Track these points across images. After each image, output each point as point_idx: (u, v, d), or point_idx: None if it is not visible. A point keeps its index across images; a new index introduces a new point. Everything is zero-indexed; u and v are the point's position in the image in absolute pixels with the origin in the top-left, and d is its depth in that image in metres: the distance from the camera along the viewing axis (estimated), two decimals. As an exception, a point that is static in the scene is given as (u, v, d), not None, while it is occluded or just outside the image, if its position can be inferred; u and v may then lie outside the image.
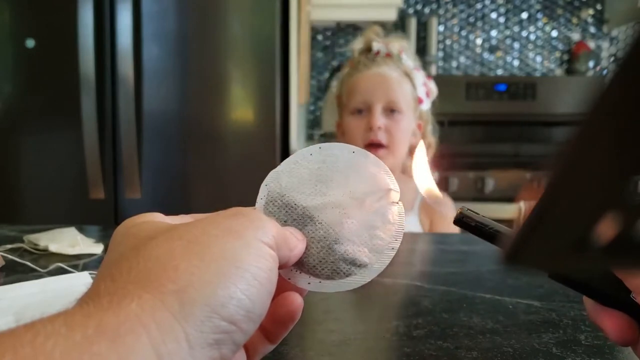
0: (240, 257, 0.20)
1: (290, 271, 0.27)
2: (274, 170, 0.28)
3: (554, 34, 2.23)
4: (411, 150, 1.11)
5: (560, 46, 2.23)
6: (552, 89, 2.10)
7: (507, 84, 2.11)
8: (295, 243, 0.25)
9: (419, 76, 1.09)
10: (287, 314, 0.26)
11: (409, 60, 1.10)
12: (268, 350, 0.27)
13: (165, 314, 0.18)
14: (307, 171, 0.28)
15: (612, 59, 2.18)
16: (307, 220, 0.27)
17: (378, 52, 1.09)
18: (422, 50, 2.24)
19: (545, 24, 2.23)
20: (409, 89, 1.06)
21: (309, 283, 0.27)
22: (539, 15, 2.23)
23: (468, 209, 0.30)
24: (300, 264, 0.27)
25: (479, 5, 2.24)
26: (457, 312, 0.43)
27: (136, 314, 0.18)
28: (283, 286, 0.27)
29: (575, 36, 2.22)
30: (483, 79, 2.15)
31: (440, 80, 1.92)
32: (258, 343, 0.27)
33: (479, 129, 2.18)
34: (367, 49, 1.11)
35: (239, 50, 1.42)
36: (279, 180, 0.28)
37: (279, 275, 0.26)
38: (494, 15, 2.24)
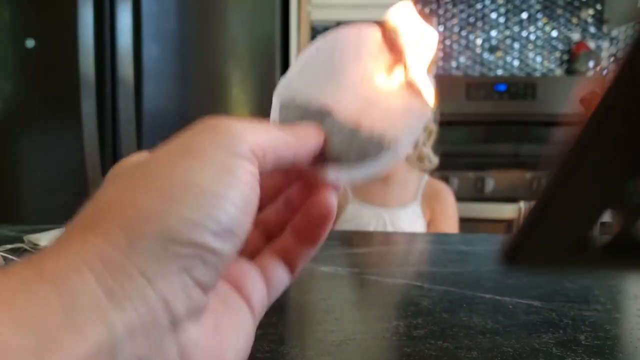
0: (196, 177, 0.18)
1: (315, 167, 0.25)
2: (283, 77, 0.27)
3: (554, 34, 2.23)
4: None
5: (560, 46, 2.23)
6: (552, 89, 2.10)
7: (507, 84, 2.11)
8: (304, 138, 0.23)
9: None
10: (322, 212, 0.24)
11: None
12: (310, 254, 0.26)
13: (113, 251, 0.17)
14: (316, 67, 0.26)
15: (612, 59, 2.18)
16: (324, 114, 0.25)
17: None
18: (422, 50, 2.23)
19: (545, 24, 2.23)
20: None
21: (336, 174, 0.25)
22: (539, 15, 2.23)
23: None
24: (325, 157, 0.25)
25: (479, 5, 2.24)
26: (457, 312, 0.43)
27: (79, 255, 0.16)
28: (314, 185, 0.25)
29: (575, 36, 2.22)
30: (483, 79, 2.15)
31: (440, 80, 1.92)
32: (296, 250, 0.25)
33: (479, 129, 2.18)
34: None
35: (239, 50, 1.42)
36: (289, 84, 0.26)
37: (308, 173, 0.25)
38: (494, 15, 2.24)
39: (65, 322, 0.15)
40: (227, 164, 0.19)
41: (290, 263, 0.26)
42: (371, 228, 1.15)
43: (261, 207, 0.27)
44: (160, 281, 0.17)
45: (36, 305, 0.15)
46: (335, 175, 0.25)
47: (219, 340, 0.20)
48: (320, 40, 0.27)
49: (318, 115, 0.25)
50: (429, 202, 1.18)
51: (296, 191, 0.26)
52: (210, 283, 0.18)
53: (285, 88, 0.27)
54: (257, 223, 0.27)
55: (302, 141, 0.23)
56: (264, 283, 0.24)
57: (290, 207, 0.26)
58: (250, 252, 0.26)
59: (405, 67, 0.26)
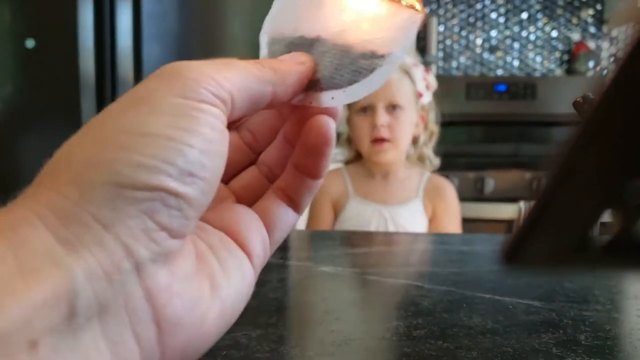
0: (144, 124, 0.17)
1: (308, 95, 0.24)
2: (268, 15, 0.26)
3: (554, 34, 2.23)
4: (414, 140, 1.20)
5: (560, 46, 2.23)
6: (552, 89, 2.10)
7: (507, 84, 2.12)
8: (285, 67, 0.22)
9: (418, 72, 1.17)
10: (319, 138, 0.23)
11: (408, 57, 1.18)
12: (314, 187, 0.25)
13: (64, 202, 0.16)
14: (300, 1, 0.26)
15: (612, 59, 2.18)
16: (312, 40, 0.24)
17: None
18: (422, 50, 2.24)
19: (545, 24, 2.23)
20: (408, 86, 1.15)
21: (332, 98, 0.24)
22: (539, 16, 2.23)
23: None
24: (318, 83, 0.24)
25: (479, 5, 2.24)
26: (457, 312, 0.43)
27: (29, 207, 0.16)
28: (309, 115, 0.24)
29: (575, 36, 2.22)
30: (483, 79, 2.15)
31: (440, 80, 1.92)
32: (299, 184, 0.24)
33: (479, 129, 2.19)
34: None
35: (239, 50, 1.43)
36: (274, 20, 0.26)
37: (299, 104, 0.24)
38: (494, 15, 2.24)
39: (18, 270, 0.14)
40: (182, 108, 0.18)
41: (293, 199, 0.25)
42: (372, 226, 1.14)
43: (260, 151, 0.26)
44: (118, 226, 0.16)
45: None
46: (328, 99, 0.24)
47: (198, 286, 0.19)
48: None
49: (306, 43, 0.24)
50: (431, 199, 1.18)
51: (292, 125, 0.25)
52: (179, 228, 0.18)
53: (270, 24, 0.26)
54: (259, 165, 0.26)
55: (283, 70, 0.22)
56: (263, 227, 0.24)
57: (290, 143, 0.25)
58: (254, 195, 0.25)
59: None
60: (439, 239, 0.80)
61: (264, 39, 0.26)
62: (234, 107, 0.20)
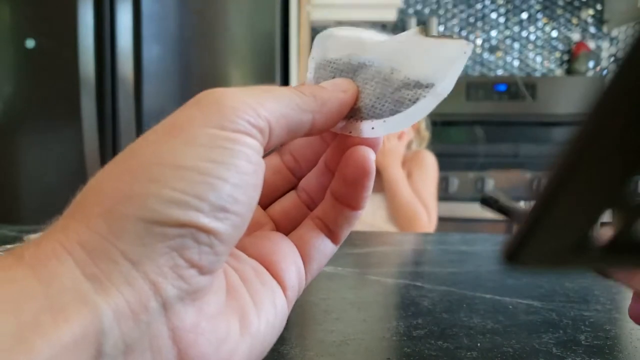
0: (177, 156, 0.17)
1: (348, 124, 0.23)
2: (314, 41, 0.26)
3: (554, 34, 2.23)
4: (408, 145, 1.31)
5: (560, 46, 2.23)
6: (552, 89, 2.10)
7: (507, 84, 2.12)
8: (327, 94, 0.21)
9: None
10: (358, 171, 0.22)
11: None
12: (353, 219, 0.24)
13: (93, 236, 0.16)
14: (349, 31, 0.25)
15: (612, 59, 2.18)
16: (355, 66, 0.24)
17: None
18: (422, 50, 2.24)
19: (545, 24, 2.23)
20: None
21: (372, 128, 0.23)
22: (539, 16, 2.23)
23: (490, 194, 0.30)
24: (359, 111, 0.23)
25: (479, 5, 2.24)
26: (457, 312, 0.43)
27: (59, 241, 0.16)
28: (350, 144, 0.23)
29: (575, 36, 2.22)
30: (483, 79, 2.15)
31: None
32: (338, 215, 0.23)
33: (479, 129, 2.19)
34: None
35: (239, 50, 1.43)
36: (323, 45, 0.25)
37: (342, 131, 0.23)
38: (494, 15, 2.24)
39: (47, 306, 0.14)
40: (218, 140, 0.17)
41: (332, 230, 0.24)
42: None
43: (302, 176, 0.26)
44: (146, 264, 0.16)
45: (15, 290, 0.14)
46: (368, 129, 0.23)
47: (226, 323, 0.18)
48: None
49: (350, 69, 0.24)
50: (408, 165, 1.28)
51: (332, 152, 0.24)
52: (209, 264, 0.17)
53: (317, 50, 0.25)
54: (299, 191, 0.25)
55: (324, 99, 0.21)
56: (299, 257, 0.23)
57: (330, 171, 0.24)
58: (292, 223, 0.24)
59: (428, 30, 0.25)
60: (439, 239, 0.80)
61: (311, 64, 0.25)
62: (271, 135, 0.19)
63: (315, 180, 0.25)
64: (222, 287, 0.19)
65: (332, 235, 0.24)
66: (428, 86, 0.23)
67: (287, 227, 0.24)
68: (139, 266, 0.16)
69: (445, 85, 0.23)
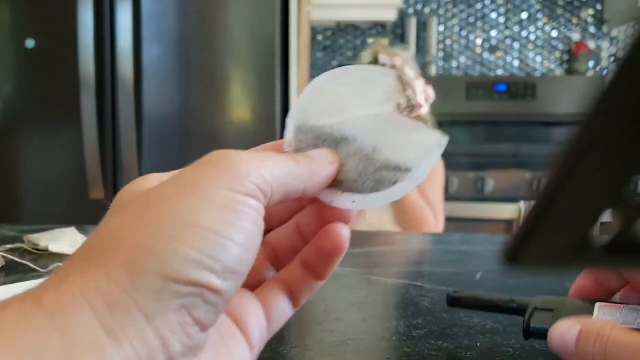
0: (197, 216, 0.18)
1: (331, 194, 0.24)
2: (298, 99, 0.27)
3: (554, 34, 2.23)
4: None
5: (560, 46, 2.23)
6: (552, 89, 2.10)
7: (507, 84, 2.12)
8: (317, 168, 0.23)
9: (419, 84, 1.25)
10: (333, 247, 0.24)
11: (411, 70, 1.26)
12: (316, 287, 0.25)
13: (113, 287, 0.17)
14: (334, 94, 0.26)
15: (612, 59, 2.18)
16: (338, 138, 0.25)
17: (384, 65, 1.27)
18: (422, 51, 2.24)
19: (545, 24, 2.23)
20: None
21: (353, 201, 0.24)
22: (539, 15, 2.23)
23: (455, 291, 0.37)
24: (340, 184, 0.24)
25: (479, 5, 2.24)
26: (457, 312, 0.43)
27: (79, 288, 0.16)
28: (327, 214, 0.24)
29: (575, 36, 2.22)
30: (483, 79, 2.15)
31: (441, 80, 1.93)
32: (303, 282, 0.25)
33: (479, 129, 2.19)
34: (375, 61, 1.28)
35: (239, 50, 1.43)
36: (304, 108, 0.26)
37: (321, 200, 0.24)
38: (494, 15, 2.24)
39: (64, 356, 0.15)
40: (230, 202, 0.19)
41: (294, 295, 0.25)
42: None
43: (270, 230, 0.26)
44: (159, 319, 0.17)
45: (35, 339, 0.15)
46: (349, 202, 0.24)
47: None
48: (339, 69, 0.27)
49: (333, 140, 0.25)
50: None
51: (308, 217, 0.25)
52: (209, 322, 0.18)
53: (300, 112, 0.26)
54: (265, 245, 0.26)
55: (315, 170, 0.23)
56: (264, 316, 0.24)
57: (301, 234, 0.26)
58: (255, 277, 0.25)
59: (414, 108, 0.26)
60: (439, 239, 0.80)
61: (291, 123, 0.26)
62: (271, 199, 0.21)
63: (284, 240, 0.26)
64: (213, 343, 0.20)
65: (294, 300, 0.25)
66: (406, 170, 0.24)
67: (250, 282, 0.25)
68: (152, 321, 0.17)
69: (421, 173, 0.24)
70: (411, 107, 0.26)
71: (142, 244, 0.17)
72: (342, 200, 0.24)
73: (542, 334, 0.31)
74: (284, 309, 0.25)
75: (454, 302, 0.37)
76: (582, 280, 0.32)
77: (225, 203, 0.19)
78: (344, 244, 0.24)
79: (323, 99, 0.26)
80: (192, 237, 0.18)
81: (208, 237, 0.18)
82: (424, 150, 0.25)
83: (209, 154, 0.20)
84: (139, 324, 0.16)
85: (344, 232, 0.24)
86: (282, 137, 0.26)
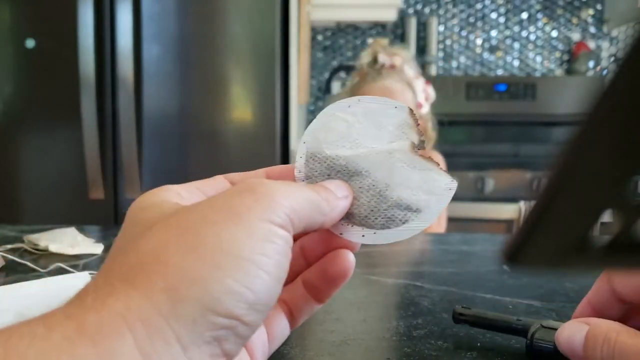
0: (239, 246, 0.18)
1: (341, 225, 0.25)
2: (310, 124, 0.27)
3: (554, 34, 2.23)
4: None
5: (560, 46, 2.23)
6: (552, 89, 2.10)
7: (507, 84, 2.11)
8: (335, 200, 0.23)
9: (419, 83, 1.25)
10: (339, 273, 0.24)
11: (410, 70, 1.25)
12: (314, 309, 0.26)
13: (153, 313, 0.17)
14: (346, 123, 0.26)
15: (612, 59, 2.18)
16: (352, 171, 0.25)
17: (383, 65, 1.25)
18: (422, 50, 2.24)
19: (545, 24, 2.23)
20: (410, 98, 1.22)
21: (363, 236, 0.25)
22: (539, 15, 2.23)
23: (462, 307, 0.37)
24: (352, 216, 0.25)
25: (479, 5, 2.24)
26: (457, 312, 0.43)
27: (121, 313, 0.17)
28: (334, 240, 0.25)
29: (575, 36, 2.22)
30: (483, 79, 2.15)
31: (440, 80, 1.92)
32: (303, 303, 0.25)
33: (479, 129, 2.18)
34: (374, 61, 1.27)
35: (239, 50, 1.43)
36: (316, 135, 0.26)
37: (330, 230, 0.25)
38: (494, 15, 2.24)
39: None
40: (269, 234, 0.19)
41: (293, 315, 0.25)
42: None
43: None
44: (193, 350, 0.17)
45: None
46: (359, 236, 0.25)
47: None
48: (352, 98, 0.27)
49: (347, 173, 0.25)
50: None
51: (314, 241, 0.26)
52: (235, 353, 0.19)
53: (312, 138, 0.26)
54: None
55: (332, 204, 0.23)
56: (266, 335, 0.24)
57: (306, 255, 0.26)
58: None
59: (424, 144, 0.27)
60: (439, 239, 0.80)
61: (302, 149, 0.26)
62: (295, 230, 0.21)
63: None
64: None
65: (292, 320, 0.26)
66: (417, 211, 0.25)
67: None
68: (187, 351, 0.17)
69: (431, 214, 0.25)
70: (422, 143, 0.26)
71: (185, 270, 0.18)
72: (353, 234, 0.25)
73: (545, 352, 0.32)
74: (284, 329, 0.25)
75: (460, 318, 0.37)
76: (581, 310, 0.32)
77: (264, 234, 0.19)
78: (349, 270, 0.25)
79: (336, 127, 0.26)
80: (234, 267, 0.18)
81: (249, 269, 0.18)
82: (435, 192, 0.25)
83: (243, 183, 0.21)
84: (175, 353, 0.17)
85: (350, 258, 0.25)
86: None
